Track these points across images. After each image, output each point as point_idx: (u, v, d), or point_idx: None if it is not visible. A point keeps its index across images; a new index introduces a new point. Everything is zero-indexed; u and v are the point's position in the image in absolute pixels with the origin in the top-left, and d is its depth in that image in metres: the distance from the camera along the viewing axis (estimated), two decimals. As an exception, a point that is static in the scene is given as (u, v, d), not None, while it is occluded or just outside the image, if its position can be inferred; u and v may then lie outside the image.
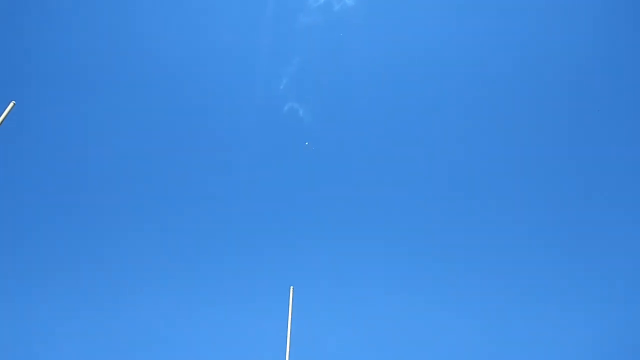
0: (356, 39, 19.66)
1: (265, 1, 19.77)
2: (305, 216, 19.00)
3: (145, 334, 16.51)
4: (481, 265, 17.25)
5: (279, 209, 19.00)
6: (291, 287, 11.95)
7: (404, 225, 18.62)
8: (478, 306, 16.70)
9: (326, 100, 19.21)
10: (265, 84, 19.22)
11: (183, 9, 19.64)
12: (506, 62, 18.95)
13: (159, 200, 18.46)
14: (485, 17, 19.37)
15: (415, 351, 16.47)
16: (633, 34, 18.31)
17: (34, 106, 18.21)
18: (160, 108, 18.98)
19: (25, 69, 18.41)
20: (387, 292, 17.84)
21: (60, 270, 16.63)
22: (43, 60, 18.71)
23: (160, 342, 16.54)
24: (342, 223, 18.95)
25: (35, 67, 18.47)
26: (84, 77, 18.99)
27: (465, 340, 16.41)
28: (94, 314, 16.26)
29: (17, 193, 17.46)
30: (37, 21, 18.78)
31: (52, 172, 17.85)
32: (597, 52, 18.66)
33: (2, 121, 8.95)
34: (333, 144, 19.19)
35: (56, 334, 15.07)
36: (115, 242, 17.81)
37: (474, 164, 18.96)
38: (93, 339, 15.53)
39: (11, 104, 9.21)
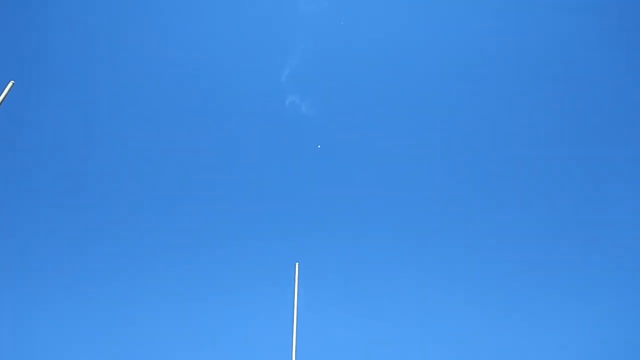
0: (361, 27, 19.37)
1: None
2: (310, 193, 18.95)
3: (150, 310, 16.65)
4: (496, 247, 17.28)
5: (283, 187, 18.95)
6: (297, 263, 11.94)
7: (411, 206, 18.58)
8: (486, 284, 16.74)
9: (330, 92, 19.00)
10: (265, 76, 18.99)
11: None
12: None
13: (165, 185, 18.46)
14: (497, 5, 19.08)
15: (420, 327, 16.57)
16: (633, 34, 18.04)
17: (34, 104, 18.15)
18: (155, 102, 18.83)
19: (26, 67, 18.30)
20: (394, 268, 17.89)
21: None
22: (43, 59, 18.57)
23: (165, 318, 16.69)
24: (348, 200, 18.91)
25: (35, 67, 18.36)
26: (78, 64, 18.82)
27: (471, 318, 16.50)
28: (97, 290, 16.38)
29: (16, 192, 17.47)
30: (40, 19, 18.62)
31: (50, 171, 17.83)
32: (597, 52, 18.44)
33: (2, 101, 8.84)
34: (337, 134, 19.05)
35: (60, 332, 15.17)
36: (123, 218, 17.88)
37: (477, 152, 18.86)
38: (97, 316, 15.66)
39: (10, 84, 9.09)
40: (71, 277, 16.66)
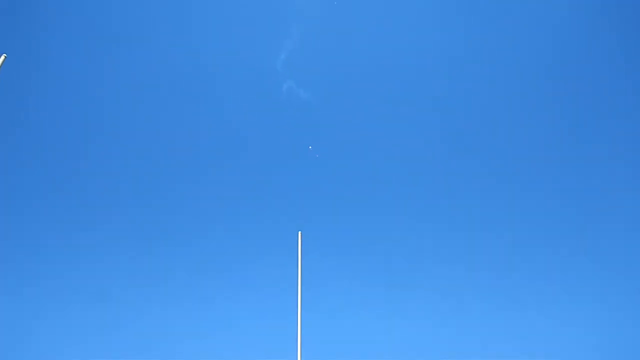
0: (358, 10, 19.04)
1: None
2: (312, 163, 18.90)
3: (161, 280, 16.83)
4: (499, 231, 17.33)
5: (285, 157, 18.91)
6: (299, 232, 11.96)
7: (412, 174, 18.56)
8: (487, 266, 16.82)
9: (328, 77, 18.79)
10: (262, 60, 18.75)
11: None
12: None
13: (170, 164, 18.47)
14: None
15: (421, 291, 16.69)
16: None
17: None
18: (149, 87, 18.66)
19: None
20: (395, 235, 17.95)
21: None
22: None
23: (174, 287, 16.85)
24: (349, 169, 18.88)
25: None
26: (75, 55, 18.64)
27: (470, 300, 16.61)
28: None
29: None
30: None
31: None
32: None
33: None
34: (337, 108, 18.92)
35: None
36: (128, 193, 17.92)
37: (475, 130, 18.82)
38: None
39: (2, 57, 8.95)
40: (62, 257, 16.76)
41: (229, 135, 19.53)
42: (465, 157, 18.87)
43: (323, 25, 19.56)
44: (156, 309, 16.30)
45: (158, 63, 19.10)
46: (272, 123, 19.30)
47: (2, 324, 14.93)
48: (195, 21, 19.33)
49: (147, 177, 18.68)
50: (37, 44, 18.50)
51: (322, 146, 19.04)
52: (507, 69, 18.92)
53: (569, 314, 15.37)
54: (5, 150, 17.60)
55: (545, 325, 15.23)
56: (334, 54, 19.54)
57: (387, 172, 18.83)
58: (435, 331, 15.71)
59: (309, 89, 19.00)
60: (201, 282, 17.01)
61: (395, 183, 18.62)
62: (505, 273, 16.63)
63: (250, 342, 15.67)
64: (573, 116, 18.47)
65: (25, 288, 15.68)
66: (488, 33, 19.13)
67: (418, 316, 15.98)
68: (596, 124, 18.17)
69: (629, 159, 17.25)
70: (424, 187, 18.52)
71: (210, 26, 19.41)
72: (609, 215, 16.97)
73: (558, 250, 16.63)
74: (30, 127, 17.91)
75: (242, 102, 19.50)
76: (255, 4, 19.25)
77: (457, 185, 18.46)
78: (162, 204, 18.13)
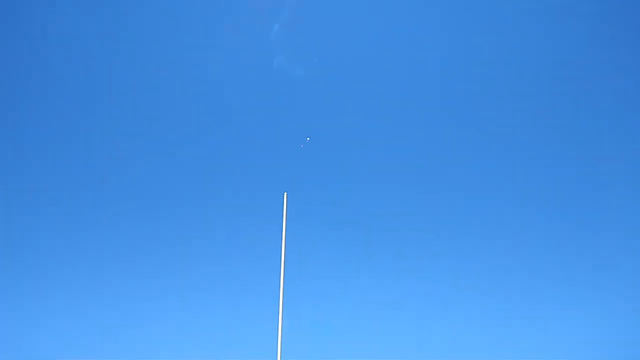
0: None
1: None
2: (298, 122, 18.41)
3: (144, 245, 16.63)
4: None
5: (271, 118, 18.44)
6: (285, 193, 11.69)
7: (404, 137, 18.26)
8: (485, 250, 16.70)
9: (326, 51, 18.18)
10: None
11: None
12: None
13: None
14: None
15: (410, 259, 16.57)
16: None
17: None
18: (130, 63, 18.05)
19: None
20: (383, 197, 17.69)
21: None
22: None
23: (156, 249, 16.65)
24: (336, 128, 18.44)
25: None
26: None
27: (461, 257, 16.53)
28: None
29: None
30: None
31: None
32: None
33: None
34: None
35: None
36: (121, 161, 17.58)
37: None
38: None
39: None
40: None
41: (216, 94, 18.95)
42: (463, 126, 18.55)
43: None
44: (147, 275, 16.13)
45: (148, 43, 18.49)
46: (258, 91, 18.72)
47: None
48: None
49: (127, 146, 18.23)
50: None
51: (315, 105, 18.58)
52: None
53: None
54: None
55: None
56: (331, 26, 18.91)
57: (382, 132, 18.46)
58: (428, 304, 15.67)
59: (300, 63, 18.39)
60: (180, 244, 16.76)
61: (391, 146, 18.29)
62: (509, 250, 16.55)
63: (228, 308, 15.56)
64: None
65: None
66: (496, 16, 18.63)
67: (412, 289, 15.89)
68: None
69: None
70: (420, 153, 18.22)
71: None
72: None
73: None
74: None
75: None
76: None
77: (454, 154, 18.18)
78: (146, 173, 17.73)
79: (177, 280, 15.83)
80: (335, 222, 16.99)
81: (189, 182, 17.51)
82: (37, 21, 17.97)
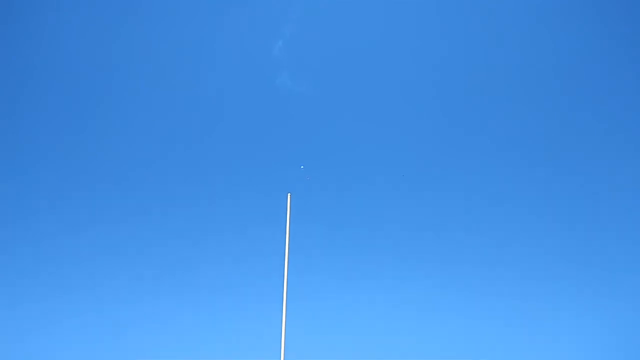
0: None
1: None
2: (302, 124, 18.51)
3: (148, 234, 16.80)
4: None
5: (276, 120, 18.53)
6: (289, 194, 11.74)
7: (406, 143, 18.36)
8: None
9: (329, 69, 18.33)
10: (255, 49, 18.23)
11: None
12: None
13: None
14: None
15: (413, 257, 16.64)
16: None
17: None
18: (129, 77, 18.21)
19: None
20: (387, 198, 17.76)
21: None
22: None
23: (159, 246, 16.75)
24: (340, 131, 18.53)
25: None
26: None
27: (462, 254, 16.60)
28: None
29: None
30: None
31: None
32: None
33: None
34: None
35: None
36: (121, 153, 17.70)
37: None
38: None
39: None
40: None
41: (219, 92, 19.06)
42: (463, 126, 18.64)
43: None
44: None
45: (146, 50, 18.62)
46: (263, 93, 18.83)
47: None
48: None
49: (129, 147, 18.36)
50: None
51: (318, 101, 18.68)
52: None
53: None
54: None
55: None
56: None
57: (383, 137, 18.56)
58: (431, 304, 15.75)
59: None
60: (183, 244, 16.86)
61: (395, 148, 18.38)
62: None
63: (232, 308, 15.66)
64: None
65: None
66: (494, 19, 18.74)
67: (415, 289, 15.98)
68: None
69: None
70: (424, 154, 18.32)
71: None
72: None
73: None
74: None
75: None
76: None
77: (457, 155, 18.27)
78: (149, 173, 17.86)
79: (181, 280, 15.96)
80: (339, 223, 17.09)
81: (193, 183, 17.65)
82: (34, 20, 18.04)
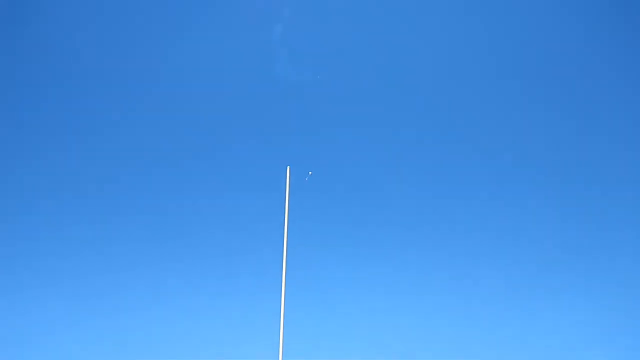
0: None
1: None
2: (301, 95, 18.39)
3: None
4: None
5: (273, 90, 18.40)
6: (288, 167, 11.73)
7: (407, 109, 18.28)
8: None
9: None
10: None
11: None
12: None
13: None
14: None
15: (414, 231, 16.69)
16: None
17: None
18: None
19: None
20: (388, 171, 17.76)
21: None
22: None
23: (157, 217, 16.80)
24: (340, 101, 18.42)
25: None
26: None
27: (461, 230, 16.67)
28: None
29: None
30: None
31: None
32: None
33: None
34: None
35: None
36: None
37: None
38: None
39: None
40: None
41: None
42: (465, 114, 18.61)
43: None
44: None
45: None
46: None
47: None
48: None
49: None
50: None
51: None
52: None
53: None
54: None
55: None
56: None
57: (384, 105, 18.48)
58: (437, 288, 15.84)
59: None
60: (182, 216, 16.89)
61: (392, 117, 18.33)
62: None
63: (229, 284, 15.74)
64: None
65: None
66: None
67: (411, 254, 16.07)
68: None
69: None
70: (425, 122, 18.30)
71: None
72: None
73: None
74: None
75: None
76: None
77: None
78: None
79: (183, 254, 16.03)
80: (339, 200, 17.09)
81: (192, 158, 17.60)
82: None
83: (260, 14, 17.93)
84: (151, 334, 14.14)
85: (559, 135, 17.51)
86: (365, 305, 15.06)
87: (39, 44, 17.92)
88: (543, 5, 18.56)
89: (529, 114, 17.71)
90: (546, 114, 17.91)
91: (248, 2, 18.48)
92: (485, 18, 18.65)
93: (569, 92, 17.83)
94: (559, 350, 14.18)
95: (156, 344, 14.00)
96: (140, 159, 17.37)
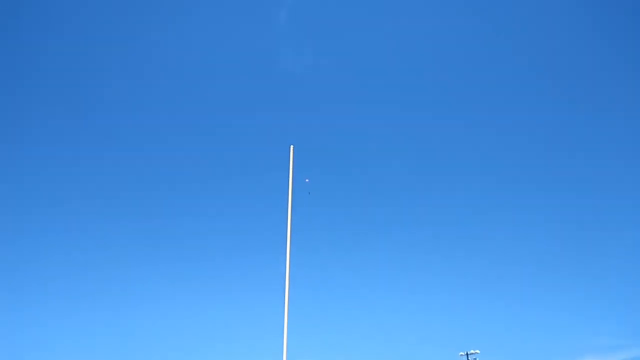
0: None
1: None
2: (304, 77, 19.12)
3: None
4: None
5: (278, 73, 19.09)
6: (291, 146, 13.10)
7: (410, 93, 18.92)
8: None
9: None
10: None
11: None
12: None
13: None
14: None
15: (417, 209, 18.14)
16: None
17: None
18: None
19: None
20: (388, 150, 18.91)
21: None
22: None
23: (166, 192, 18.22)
24: (343, 82, 19.22)
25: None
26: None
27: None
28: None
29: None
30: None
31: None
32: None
33: None
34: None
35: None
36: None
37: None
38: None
39: None
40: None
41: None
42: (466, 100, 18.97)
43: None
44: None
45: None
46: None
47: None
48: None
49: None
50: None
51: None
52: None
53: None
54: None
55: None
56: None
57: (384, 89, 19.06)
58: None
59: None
60: (190, 193, 18.13)
61: (394, 100, 18.95)
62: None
63: (236, 258, 17.43)
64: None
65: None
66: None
67: (412, 231, 17.57)
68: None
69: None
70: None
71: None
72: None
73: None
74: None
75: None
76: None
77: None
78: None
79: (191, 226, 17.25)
80: (341, 179, 18.36)
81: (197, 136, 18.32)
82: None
83: None
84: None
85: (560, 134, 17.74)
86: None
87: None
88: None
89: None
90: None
91: None
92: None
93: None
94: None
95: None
96: (141, 150, 17.86)
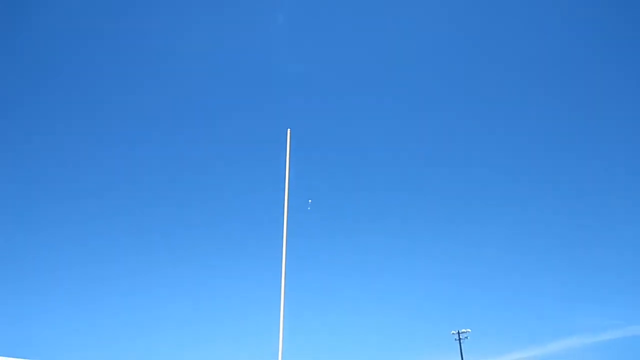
0: None
1: None
2: (301, 60, 18.78)
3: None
4: None
5: (275, 57, 18.74)
6: (288, 129, 12.92)
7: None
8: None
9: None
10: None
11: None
12: None
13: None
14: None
15: (411, 194, 18.17)
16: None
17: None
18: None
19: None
20: (384, 133, 18.83)
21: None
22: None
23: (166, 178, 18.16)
24: (340, 64, 18.91)
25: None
26: None
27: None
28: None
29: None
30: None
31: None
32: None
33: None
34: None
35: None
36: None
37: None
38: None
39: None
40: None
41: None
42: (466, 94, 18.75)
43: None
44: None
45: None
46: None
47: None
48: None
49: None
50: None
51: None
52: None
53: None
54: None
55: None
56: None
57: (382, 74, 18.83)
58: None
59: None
60: (189, 179, 18.08)
61: (391, 85, 18.79)
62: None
63: (232, 241, 17.49)
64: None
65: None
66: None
67: (407, 215, 17.65)
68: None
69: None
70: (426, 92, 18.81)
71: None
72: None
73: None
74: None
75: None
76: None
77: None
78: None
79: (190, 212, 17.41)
80: (337, 162, 18.24)
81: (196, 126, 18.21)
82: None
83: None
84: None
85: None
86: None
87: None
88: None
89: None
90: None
91: None
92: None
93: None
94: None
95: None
96: (142, 142, 17.67)
